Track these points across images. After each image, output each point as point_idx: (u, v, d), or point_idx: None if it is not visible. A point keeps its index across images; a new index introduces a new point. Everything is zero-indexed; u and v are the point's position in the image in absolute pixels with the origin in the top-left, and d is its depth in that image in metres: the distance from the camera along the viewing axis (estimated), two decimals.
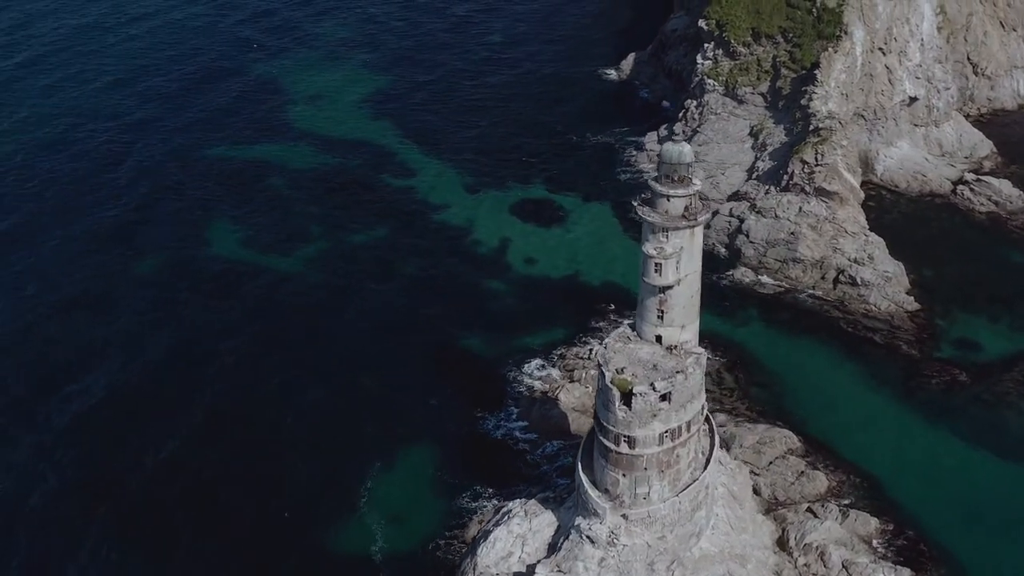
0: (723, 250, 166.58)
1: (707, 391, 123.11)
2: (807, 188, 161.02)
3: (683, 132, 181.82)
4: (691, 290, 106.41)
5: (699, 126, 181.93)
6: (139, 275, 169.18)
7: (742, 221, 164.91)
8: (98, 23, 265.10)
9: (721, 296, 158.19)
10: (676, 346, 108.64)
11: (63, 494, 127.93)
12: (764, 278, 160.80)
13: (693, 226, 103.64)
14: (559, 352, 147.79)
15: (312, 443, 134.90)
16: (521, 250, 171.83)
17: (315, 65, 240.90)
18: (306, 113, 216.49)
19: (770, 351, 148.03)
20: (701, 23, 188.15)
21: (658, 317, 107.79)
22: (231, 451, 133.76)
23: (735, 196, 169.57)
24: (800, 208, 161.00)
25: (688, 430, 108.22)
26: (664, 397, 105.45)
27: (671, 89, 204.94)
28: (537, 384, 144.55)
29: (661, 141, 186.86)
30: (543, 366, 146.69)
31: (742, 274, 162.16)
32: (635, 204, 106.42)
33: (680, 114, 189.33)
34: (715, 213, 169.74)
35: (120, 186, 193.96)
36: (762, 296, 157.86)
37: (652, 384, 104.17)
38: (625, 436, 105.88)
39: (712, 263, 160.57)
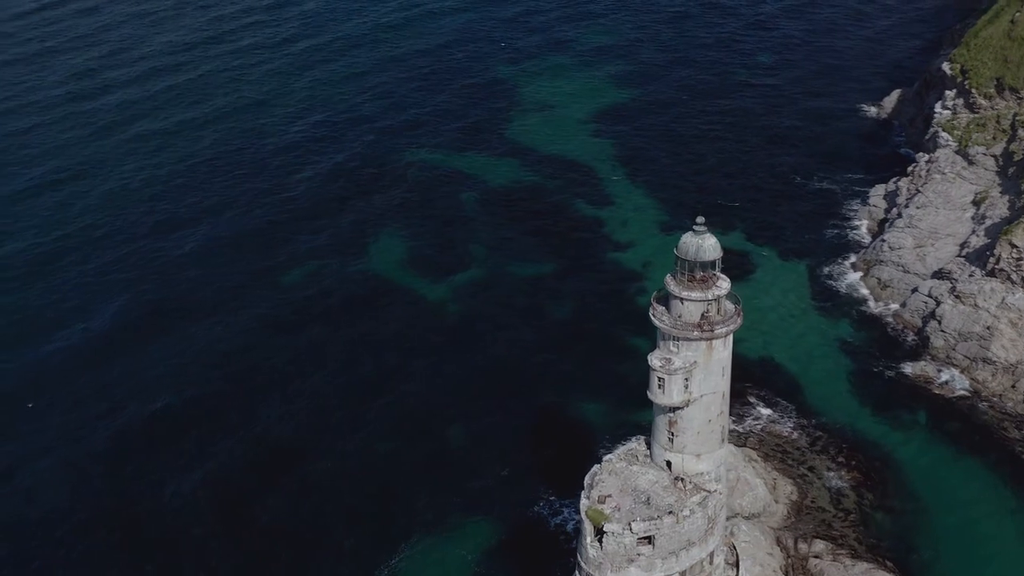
0: (911, 336, 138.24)
1: (819, 508, 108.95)
2: (1013, 276, 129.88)
3: (907, 191, 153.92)
4: (708, 414, 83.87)
5: (923, 185, 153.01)
6: (281, 282, 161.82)
7: (938, 304, 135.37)
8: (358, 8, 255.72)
9: (890, 389, 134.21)
10: (686, 478, 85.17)
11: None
12: (947, 376, 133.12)
13: (709, 339, 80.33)
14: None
15: (361, 494, 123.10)
16: None
17: (558, 72, 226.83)
18: (526, 124, 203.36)
19: (919, 469, 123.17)
20: (945, 66, 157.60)
21: (668, 440, 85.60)
22: (273, 485, 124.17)
23: (939, 273, 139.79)
24: (1003, 299, 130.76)
25: None
26: (648, 540, 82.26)
27: (921, 135, 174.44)
28: None
29: (887, 197, 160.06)
30: (620, 439, 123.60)
31: (922, 368, 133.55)
32: (653, 299, 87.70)
33: (909, 168, 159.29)
34: (913, 290, 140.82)
35: (307, 186, 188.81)
36: (936, 398, 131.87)
37: (630, 523, 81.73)
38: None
39: (894, 349, 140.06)
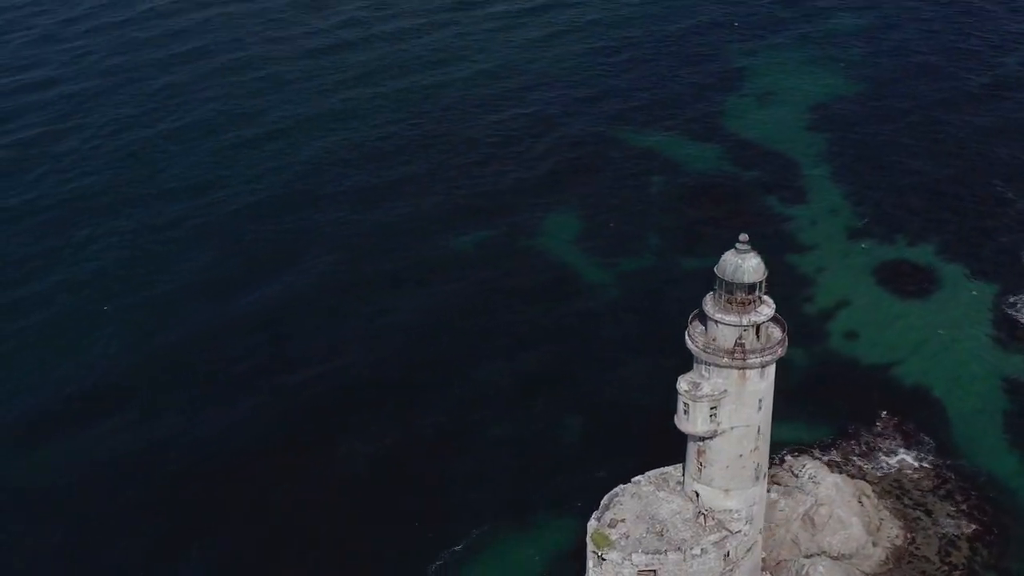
0: None
1: (923, 558, 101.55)
2: None
3: None
4: (740, 448, 75.95)
5: None
6: (451, 250, 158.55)
7: None
8: None
9: None
10: (711, 513, 77.59)
11: None
12: None
13: (741, 367, 72.17)
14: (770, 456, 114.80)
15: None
16: (851, 320, 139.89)
17: (789, 58, 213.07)
18: (739, 110, 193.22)
19: None
20: None
21: (697, 469, 78.20)
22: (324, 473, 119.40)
23: None
24: None
25: None
26: (653, 573, 75.56)
27: None
28: None
29: None
30: None
31: None
32: (692, 318, 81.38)
33: None
34: None
35: (512, 155, 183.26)
36: None
37: (631, 554, 74.96)
38: None
39: None
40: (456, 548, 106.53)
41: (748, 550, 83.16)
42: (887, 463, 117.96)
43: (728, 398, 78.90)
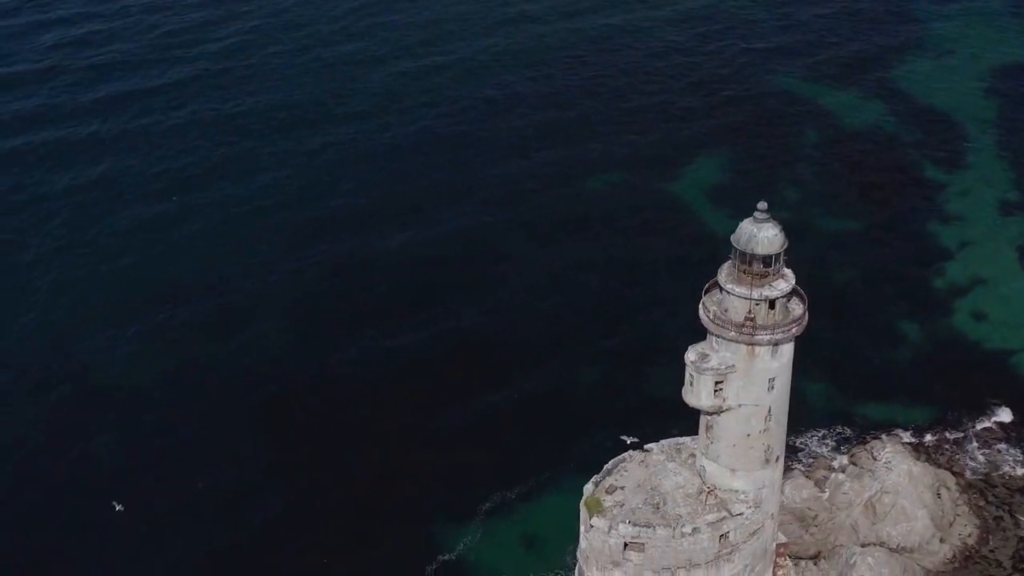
0: None
1: (995, 562, 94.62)
2: None
3: None
4: (747, 428, 71.14)
5: None
6: (585, 186, 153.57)
7: None
8: None
9: None
10: (715, 491, 73.31)
11: None
12: None
13: (749, 343, 67.33)
14: (858, 434, 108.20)
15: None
16: (982, 300, 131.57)
17: (977, 15, 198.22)
18: (914, 68, 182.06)
19: None
20: None
21: (705, 444, 73.72)
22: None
23: None
24: None
25: None
26: (638, 548, 72.05)
27: None
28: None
29: None
30: (824, 438, 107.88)
31: None
32: (708, 285, 74.38)
33: None
34: None
35: (655, 93, 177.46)
36: None
37: (618, 523, 71.57)
38: (583, 570, 75.31)
39: None
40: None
41: (752, 534, 76.89)
42: (982, 457, 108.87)
43: (736, 374, 72.77)
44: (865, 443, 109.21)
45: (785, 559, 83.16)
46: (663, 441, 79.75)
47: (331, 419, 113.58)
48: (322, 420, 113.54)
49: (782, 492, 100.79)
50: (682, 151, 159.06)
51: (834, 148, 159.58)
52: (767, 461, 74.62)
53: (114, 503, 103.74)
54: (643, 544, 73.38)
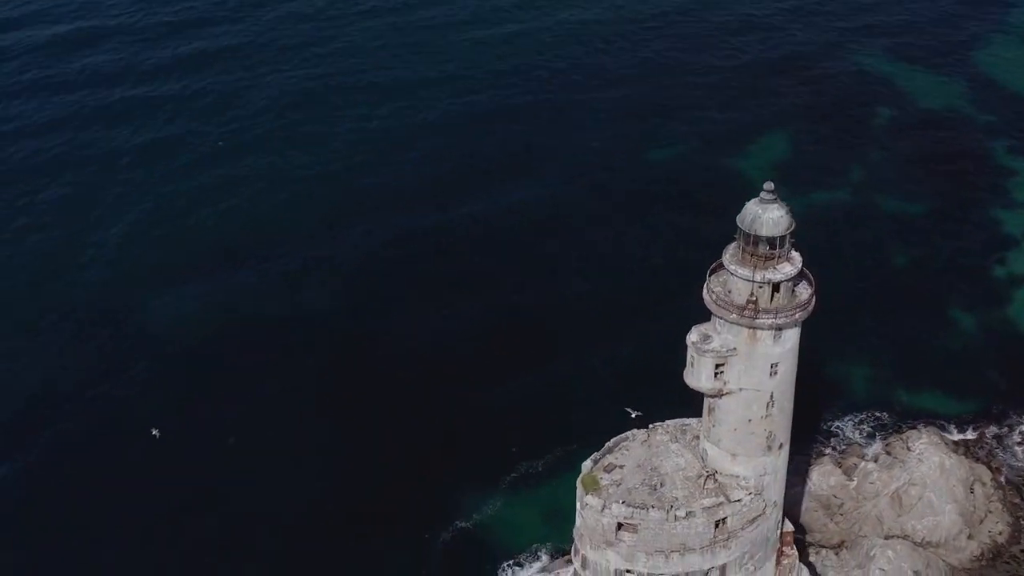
0: None
1: None
2: None
3: None
4: (748, 412, 69.52)
5: None
6: (647, 157, 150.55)
7: None
8: None
9: None
10: (715, 475, 71.86)
11: None
12: None
13: (750, 327, 65.71)
14: (896, 422, 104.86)
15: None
16: None
17: None
18: (1002, 51, 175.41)
19: None
20: None
21: (708, 427, 72.22)
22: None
23: None
24: None
25: None
26: (632, 528, 70.96)
27: None
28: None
29: None
30: (862, 422, 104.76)
31: None
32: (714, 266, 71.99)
33: None
34: None
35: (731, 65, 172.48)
36: None
37: (611, 503, 70.51)
38: (578, 548, 74.24)
39: None
40: None
41: (752, 521, 74.47)
42: (1023, 454, 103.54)
43: (737, 358, 70.38)
44: (902, 432, 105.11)
45: (792, 547, 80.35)
46: (668, 421, 77.34)
47: (374, 383, 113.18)
48: (365, 383, 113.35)
49: (808, 478, 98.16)
50: (752, 127, 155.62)
51: (907, 130, 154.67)
52: (769, 448, 72.13)
53: (153, 429, 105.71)
54: (636, 525, 71.12)
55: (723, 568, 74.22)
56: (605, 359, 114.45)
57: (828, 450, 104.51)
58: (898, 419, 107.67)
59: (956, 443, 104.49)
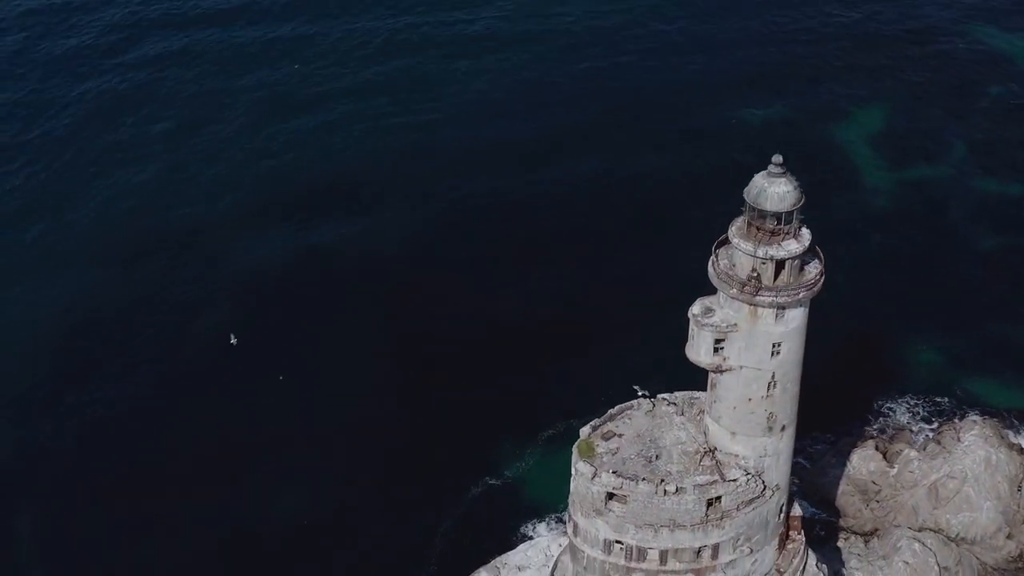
0: None
1: None
2: None
3: None
4: (748, 392, 67.15)
5: None
6: (743, 118, 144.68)
7: None
8: None
9: None
10: (715, 452, 69.76)
11: None
12: None
13: (749, 303, 63.31)
14: (952, 410, 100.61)
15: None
16: None
17: None
18: None
19: None
20: None
21: (711, 402, 69.91)
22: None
23: None
24: None
25: (663, 562, 70.27)
26: (622, 499, 69.41)
27: None
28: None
29: None
30: (917, 406, 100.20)
31: None
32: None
33: None
34: None
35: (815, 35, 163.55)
36: None
37: (600, 471, 69.01)
38: (571, 515, 72.79)
39: None
40: None
41: (748, 503, 71.02)
42: None
43: (738, 334, 66.90)
44: (957, 421, 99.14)
45: (799, 532, 76.55)
46: (677, 393, 74.13)
47: (430, 334, 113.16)
48: (421, 334, 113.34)
49: (849, 461, 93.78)
50: (858, 98, 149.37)
51: (1017, 110, 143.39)
52: (770, 429, 68.65)
53: (231, 335, 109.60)
54: (626, 496, 68.42)
55: (715, 547, 70.71)
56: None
57: (876, 433, 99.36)
58: (957, 407, 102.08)
59: (1011, 439, 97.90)
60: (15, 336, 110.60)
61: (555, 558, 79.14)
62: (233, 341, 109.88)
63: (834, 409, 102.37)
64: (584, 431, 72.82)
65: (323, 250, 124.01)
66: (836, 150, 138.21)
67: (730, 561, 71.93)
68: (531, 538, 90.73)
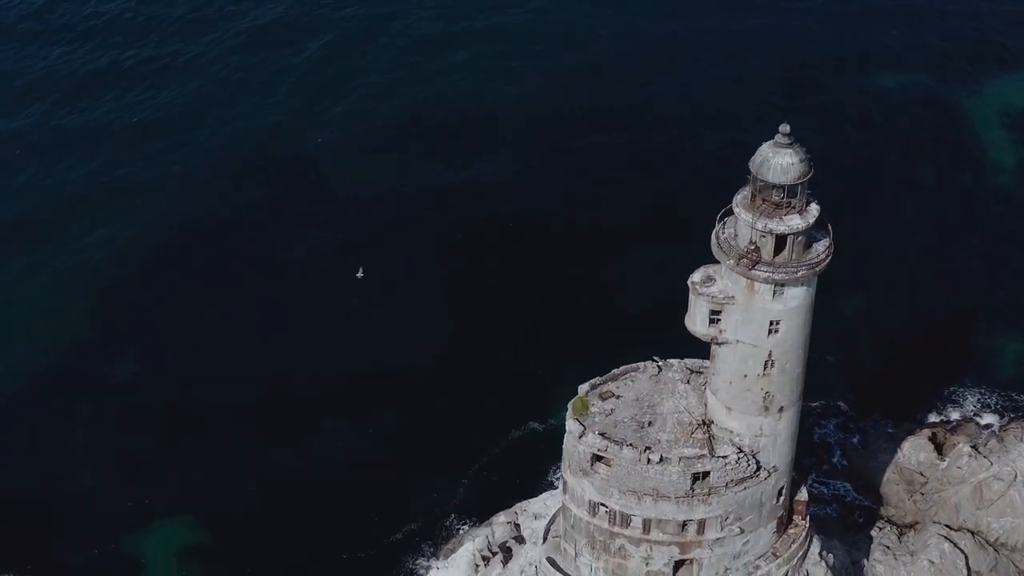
0: None
1: None
2: None
3: None
4: (743, 368, 64.62)
5: None
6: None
7: None
8: None
9: None
10: (711, 426, 67.72)
11: None
12: None
13: (745, 276, 60.94)
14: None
15: None
16: None
17: None
18: None
19: None
20: None
21: (711, 373, 67.82)
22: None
23: None
24: None
25: (647, 531, 68.75)
26: (608, 462, 68.20)
27: None
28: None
29: None
30: (989, 399, 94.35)
31: None
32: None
33: None
34: None
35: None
36: None
37: (586, 431, 67.78)
38: (560, 473, 72.03)
39: None
40: None
41: (740, 482, 67.19)
42: None
43: (735, 307, 62.87)
44: (1021, 419, 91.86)
45: (804, 518, 72.11)
46: (687, 360, 70.39)
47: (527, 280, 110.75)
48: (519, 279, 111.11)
49: (900, 448, 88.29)
50: (990, 71, 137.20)
51: None
52: (766, 408, 64.59)
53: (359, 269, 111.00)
54: (611, 460, 65.69)
55: (701, 523, 67.18)
56: None
57: (939, 422, 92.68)
58: (997, 387, 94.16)
59: None
60: (134, 253, 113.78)
61: (552, 513, 76.63)
62: (360, 275, 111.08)
63: (901, 393, 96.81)
64: (582, 388, 70.20)
65: (446, 190, 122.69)
66: (967, 122, 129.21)
67: (718, 539, 68.01)
68: (555, 487, 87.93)
